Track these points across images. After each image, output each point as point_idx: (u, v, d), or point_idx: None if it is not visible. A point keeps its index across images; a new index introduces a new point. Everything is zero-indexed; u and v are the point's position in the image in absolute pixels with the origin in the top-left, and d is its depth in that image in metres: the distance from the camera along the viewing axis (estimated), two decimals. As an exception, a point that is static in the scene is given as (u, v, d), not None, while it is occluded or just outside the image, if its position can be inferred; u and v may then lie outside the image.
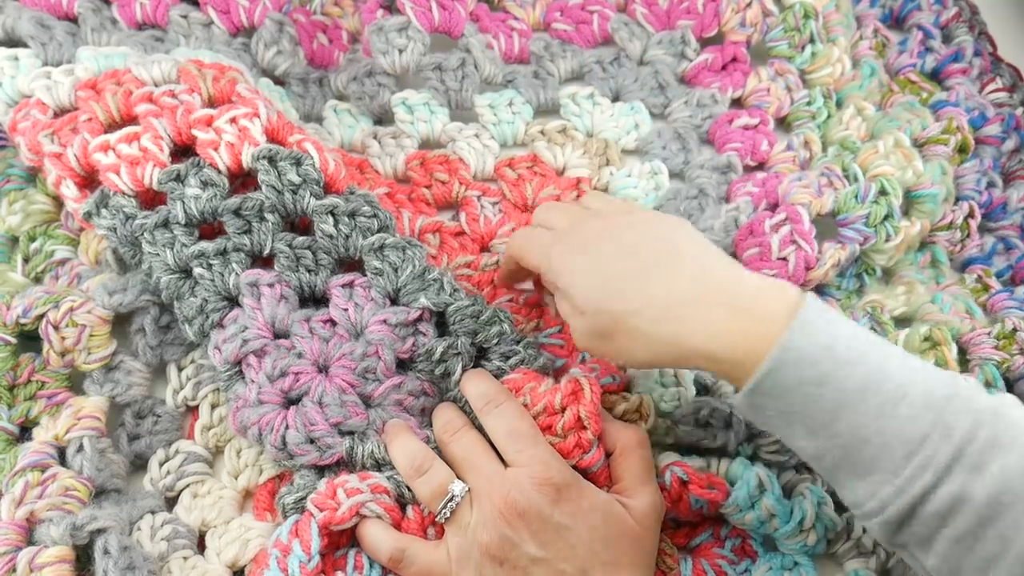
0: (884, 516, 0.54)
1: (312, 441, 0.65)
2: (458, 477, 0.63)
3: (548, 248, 0.64)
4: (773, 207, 0.79)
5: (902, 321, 0.77)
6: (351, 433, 0.66)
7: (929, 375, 0.55)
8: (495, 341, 0.69)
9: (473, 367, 0.69)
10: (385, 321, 0.68)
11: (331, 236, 0.69)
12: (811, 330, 0.55)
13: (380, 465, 0.65)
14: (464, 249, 0.79)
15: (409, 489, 0.64)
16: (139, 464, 0.69)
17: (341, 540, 0.64)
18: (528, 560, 0.59)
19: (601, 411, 0.66)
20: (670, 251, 0.60)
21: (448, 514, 0.62)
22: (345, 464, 0.66)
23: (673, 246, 0.60)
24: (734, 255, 0.78)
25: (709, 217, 0.81)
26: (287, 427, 0.65)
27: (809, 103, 0.88)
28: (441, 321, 0.70)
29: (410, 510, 0.64)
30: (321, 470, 0.66)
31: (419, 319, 0.68)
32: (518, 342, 0.70)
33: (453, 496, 0.61)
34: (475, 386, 0.67)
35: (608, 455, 0.65)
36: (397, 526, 0.63)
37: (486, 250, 0.79)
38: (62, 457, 0.65)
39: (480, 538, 0.60)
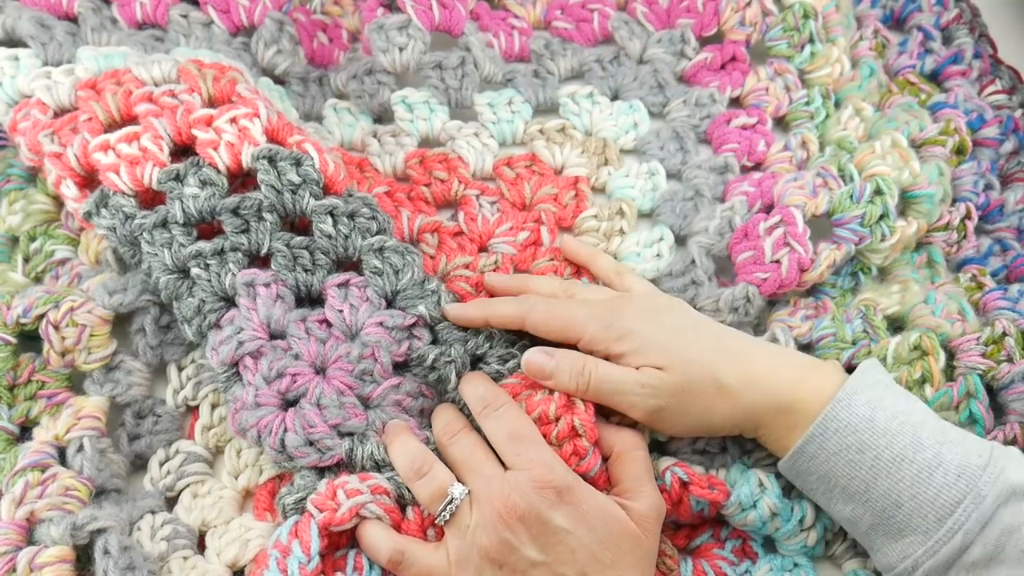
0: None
1: (311, 443, 0.65)
2: (458, 479, 0.63)
3: (600, 315, 0.67)
4: (768, 208, 0.78)
5: (894, 321, 0.76)
6: (351, 434, 0.65)
7: (966, 445, 0.62)
8: (487, 347, 0.69)
9: (471, 370, 0.69)
10: (381, 324, 0.68)
11: (330, 236, 0.69)
12: (854, 402, 0.62)
13: (380, 466, 0.65)
14: (462, 249, 0.78)
15: (409, 490, 0.64)
16: (139, 464, 0.69)
17: (341, 541, 0.64)
18: (528, 564, 0.59)
19: (596, 416, 0.66)
20: (724, 331, 0.69)
21: (447, 517, 0.61)
22: (345, 465, 0.65)
23: (722, 328, 0.70)
24: (728, 259, 0.78)
25: (704, 218, 0.80)
26: (286, 430, 0.64)
27: (807, 103, 0.88)
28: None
29: (410, 511, 0.64)
30: (321, 471, 0.66)
31: (414, 324, 0.68)
32: (513, 344, 0.70)
33: (452, 499, 0.61)
34: (473, 389, 0.67)
35: (606, 458, 0.65)
36: (397, 527, 0.63)
37: (484, 250, 0.79)
38: (62, 457, 0.65)
39: (480, 541, 0.59)
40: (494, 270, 0.77)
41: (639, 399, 0.64)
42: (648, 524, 0.62)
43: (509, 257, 0.78)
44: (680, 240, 0.81)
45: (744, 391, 0.64)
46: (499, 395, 0.66)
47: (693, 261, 0.78)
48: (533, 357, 0.67)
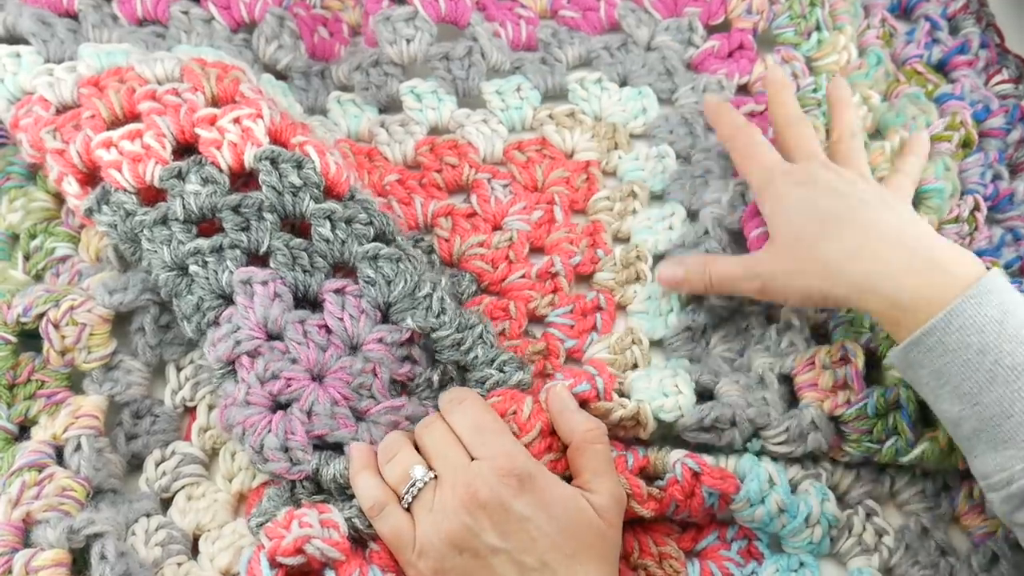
0: (1008, 490, 0.56)
1: (286, 450, 0.61)
2: (429, 467, 0.60)
3: (765, 172, 0.69)
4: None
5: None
6: (332, 447, 0.62)
7: None
8: (473, 360, 0.66)
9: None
10: (381, 340, 0.64)
11: (327, 240, 0.66)
12: (986, 300, 0.57)
13: (345, 488, 0.62)
14: (476, 229, 0.75)
15: (368, 527, 0.60)
16: (135, 464, 0.67)
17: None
18: (489, 550, 0.56)
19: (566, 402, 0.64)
20: (880, 197, 0.65)
21: (410, 499, 0.59)
22: (313, 482, 0.63)
23: (883, 195, 0.66)
24: (740, 232, 0.74)
25: (715, 191, 0.76)
26: (268, 431, 0.61)
27: (815, 90, 0.83)
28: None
29: (373, 544, 0.61)
30: (293, 486, 0.62)
31: (409, 340, 0.65)
32: (492, 362, 0.67)
33: (415, 480, 0.59)
34: (441, 395, 0.65)
35: (566, 447, 0.63)
36: (348, 561, 0.59)
37: (498, 229, 0.76)
38: (60, 456, 0.62)
39: (442, 525, 0.57)
40: (509, 247, 0.74)
41: (745, 283, 0.67)
42: (610, 516, 0.59)
43: (524, 234, 0.75)
44: (692, 215, 0.78)
45: (857, 295, 0.62)
46: (464, 392, 0.64)
47: (707, 232, 0.74)
48: (666, 269, 0.72)
